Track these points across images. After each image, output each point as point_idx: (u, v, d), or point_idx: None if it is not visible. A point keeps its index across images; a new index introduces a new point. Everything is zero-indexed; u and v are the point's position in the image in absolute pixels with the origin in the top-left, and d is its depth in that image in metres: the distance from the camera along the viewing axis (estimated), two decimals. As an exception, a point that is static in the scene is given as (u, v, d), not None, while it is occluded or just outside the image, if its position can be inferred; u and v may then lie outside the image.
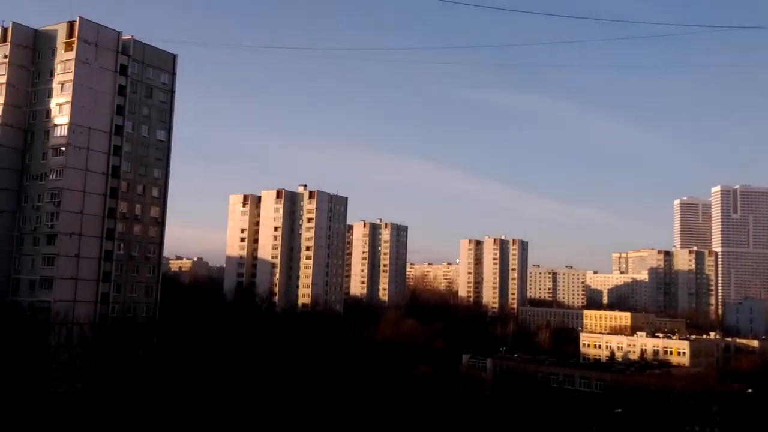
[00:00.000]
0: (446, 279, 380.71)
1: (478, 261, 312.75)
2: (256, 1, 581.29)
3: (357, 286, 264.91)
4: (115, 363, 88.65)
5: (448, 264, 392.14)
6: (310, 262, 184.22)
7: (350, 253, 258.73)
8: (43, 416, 66.37)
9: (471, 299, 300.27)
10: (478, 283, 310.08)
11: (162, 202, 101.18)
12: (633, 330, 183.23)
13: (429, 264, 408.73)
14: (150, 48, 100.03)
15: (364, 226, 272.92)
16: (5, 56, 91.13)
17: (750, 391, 79.03)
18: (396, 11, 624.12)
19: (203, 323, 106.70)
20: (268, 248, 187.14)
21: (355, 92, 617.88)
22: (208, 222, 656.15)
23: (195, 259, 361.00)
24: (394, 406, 71.32)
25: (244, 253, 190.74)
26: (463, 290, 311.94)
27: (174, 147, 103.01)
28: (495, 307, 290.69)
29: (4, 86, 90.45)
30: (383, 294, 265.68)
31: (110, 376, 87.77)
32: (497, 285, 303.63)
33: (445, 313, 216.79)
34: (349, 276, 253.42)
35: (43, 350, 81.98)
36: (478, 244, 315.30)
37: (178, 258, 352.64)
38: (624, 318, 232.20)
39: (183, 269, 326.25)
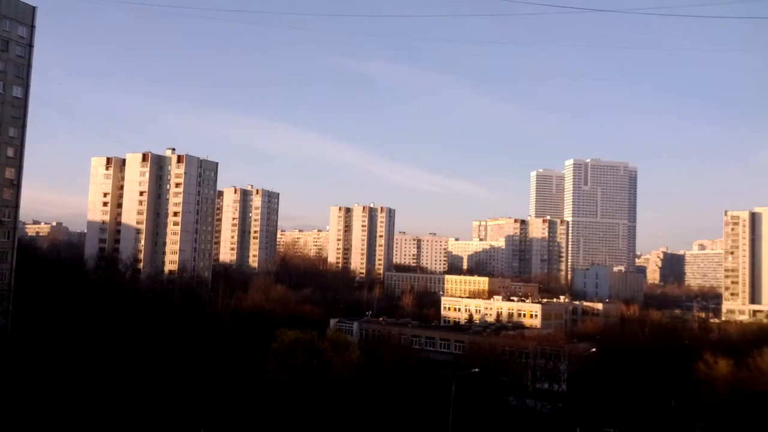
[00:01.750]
0: (316, 246, 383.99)
1: (348, 228, 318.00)
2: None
3: (227, 253, 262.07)
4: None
5: (319, 231, 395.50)
6: (178, 228, 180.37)
7: (220, 219, 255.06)
8: None
9: (340, 265, 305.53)
10: (347, 250, 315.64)
11: (18, 162, 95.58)
12: (490, 294, 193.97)
13: (300, 231, 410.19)
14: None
15: (235, 192, 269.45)
16: None
17: (594, 350, 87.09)
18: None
19: (62, 291, 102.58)
20: (133, 213, 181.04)
21: (231, 57, 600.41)
22: (68, 185, 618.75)
23: (54, 223, 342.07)
24: (258, 371, 72.23)
25: (107, 218, 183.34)
26: (333, 256, 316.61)
27: (32, 105, 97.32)
28: (362, 273, 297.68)
29: None
30: (253, 261, 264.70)
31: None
32: (365, 251, 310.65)
33: (315, 279, 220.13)
34: (218, 243, 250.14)
35: None
36: (348, 211, 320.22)
37: (36, 222, 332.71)
38: (482, 283, 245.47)
39: (41, 234, 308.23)
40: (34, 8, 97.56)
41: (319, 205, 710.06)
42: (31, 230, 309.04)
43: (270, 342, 77.04)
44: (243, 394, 69.77)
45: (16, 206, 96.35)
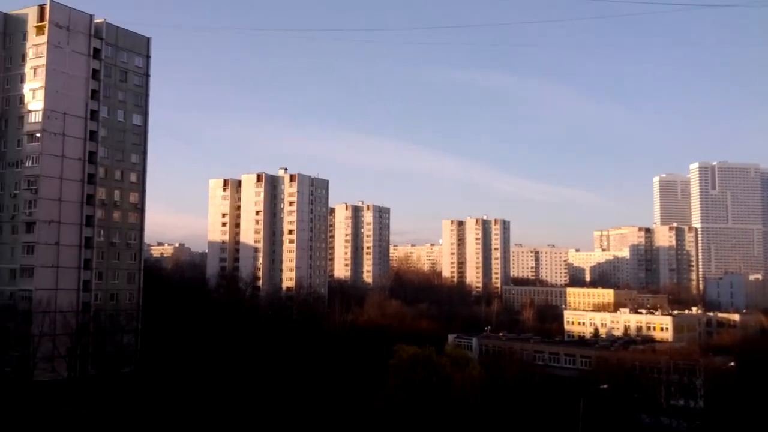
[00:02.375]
0: (429, 260, 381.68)
1: (461, 241, 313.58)
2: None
3: (341, 269, 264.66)
4: (101, 351, 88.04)
5: (432, 245, 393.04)
6: (293, 245, 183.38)
7: (333, 236, 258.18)
8: (28, 406, 65.49)
9: (455, 279, 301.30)
10: (461, 263, 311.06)
11: (141, 187, 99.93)
12: (616, 307, 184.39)
13: (412, 245, 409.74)
14: (123, 31, 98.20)
15: (346, 208, 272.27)
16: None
17: (732, 364, 79.70)
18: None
19: (187, 309, 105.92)
20: (250, 232, 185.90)
21: (336, 74, 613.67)
22: (189, 207, 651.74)
23: (177, 244, 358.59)
24: (378, 387, 71.21)
25: (226, 238, 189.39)
26: (447, 270, 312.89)
27: (151, 131, 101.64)
28: (479, 287, 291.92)
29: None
30: (367, 276, 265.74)
31: (96, 364, 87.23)
32: (480, 265, 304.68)
33: (429, 294, 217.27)
34: (332, 259, 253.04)
35: (26, 339, 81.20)
36: (461, 224, 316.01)
37: (160, 244, 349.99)
38: (607, 295, 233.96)
39: (165, 255, 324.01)
40: (148, 39, 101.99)
41: (430, 219, 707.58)
42: (155, 252, 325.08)
43: (387, 357, 75.90)
44: (364, 409, 69.10)
45: (141, 229, 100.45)
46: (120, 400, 71.00)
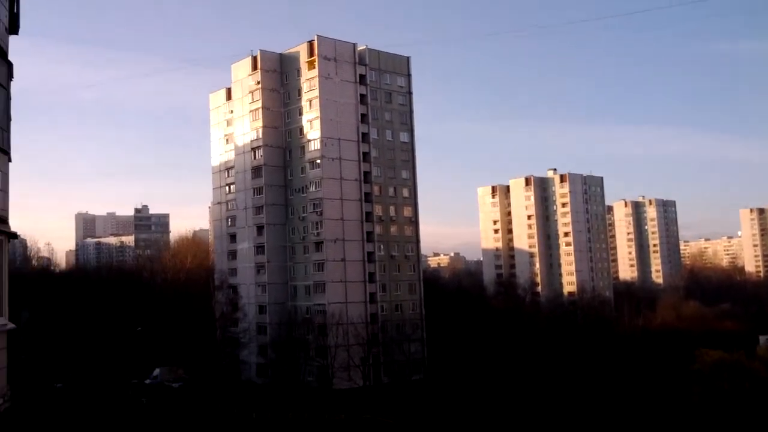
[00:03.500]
0: (728, 254, 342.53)
1: (765, 231, 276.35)
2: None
3: (625, 270, 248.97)
4: (391, 359, 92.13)
5: (729, 238, 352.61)
6: (571, 248, 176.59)
7: (613, 236, 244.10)
8: (330, 412, 69.99)
9: (761, 274, 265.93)
10: (767, 256, 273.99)
11: (413, 201, 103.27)
12: None
13: (706, 240, 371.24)
14: (384, 54, 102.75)
15: (626, 205, 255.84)
16: (257, 82, 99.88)
17: None
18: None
19: (467, 317, 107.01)
20: (524, 238, 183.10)
21: (595, 63, 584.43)
22: (460, 216, 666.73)
23: (452, 254, 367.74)
24: (680, 394, 64.40)
25: (499, 244, 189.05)
26: (750, 265, 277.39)
27: (417, 146, 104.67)
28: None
29: (260, 110, 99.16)
30: (656, 276, 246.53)
31: (388, 372, 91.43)
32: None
33: (731, 292, 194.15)
34: (615, 260, 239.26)
35: (324, 350, 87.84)
36: (762, 212, 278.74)
37: (436, 254, 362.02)
38: None
39: (441, 265, 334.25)
40: (408, 59, 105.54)
41: (725, 210, 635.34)
42: (432, 262, 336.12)
43: (687, 363, 68.39)
44: (666, 418, 63.00)
45: (417, 241, 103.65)
46: (414, 407, 72.85)
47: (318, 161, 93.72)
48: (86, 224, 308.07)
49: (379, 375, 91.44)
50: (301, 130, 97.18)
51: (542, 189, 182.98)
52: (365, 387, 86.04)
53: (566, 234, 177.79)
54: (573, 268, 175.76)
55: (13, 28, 15.87)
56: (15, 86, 15.66)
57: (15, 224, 16.21)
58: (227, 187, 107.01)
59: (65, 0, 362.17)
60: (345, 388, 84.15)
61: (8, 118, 15.08)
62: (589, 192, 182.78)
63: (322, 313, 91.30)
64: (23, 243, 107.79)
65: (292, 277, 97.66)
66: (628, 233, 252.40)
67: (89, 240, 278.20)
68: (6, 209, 14.55)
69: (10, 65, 14.80)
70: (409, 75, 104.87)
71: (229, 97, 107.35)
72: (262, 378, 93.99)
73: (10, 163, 15.10)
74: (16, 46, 16.08)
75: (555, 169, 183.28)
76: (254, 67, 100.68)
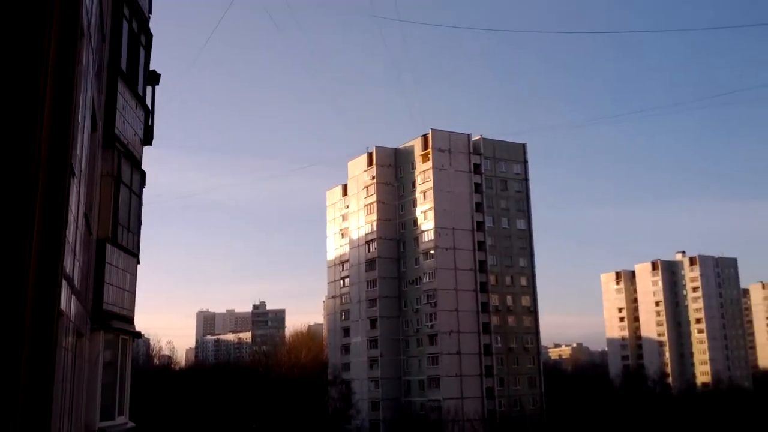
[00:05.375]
0: None
1: None
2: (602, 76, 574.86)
3: (765, 358, 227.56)
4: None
5: None
6: (703, 335, 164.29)
7: (750, 321, 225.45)
8: None
9: None
10: None
11: (532, 290, 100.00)
12: None
13: None
14: (499, 143, 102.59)
15: (763, 287, 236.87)
16: (373, 177, 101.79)
17: None
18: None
19: (592, 411, 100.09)
20: (652, 325, 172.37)
21: (720, 137, 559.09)
22: (581, 305, 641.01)
23: (574, 345, 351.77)
24: None
25: (625, 333, 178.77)
26: None
27: (535, 232, 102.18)
28: None
29: (375, 204, 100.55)
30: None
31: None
32: None
33: None
34: (753, 347, 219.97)
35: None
36: None
37: (557, 345, 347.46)
38: None
39: (563, 357, 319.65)
40: (524, 146, 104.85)
41: None
42: (553, 354, 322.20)
43: None
44: None
45: (536, 332, 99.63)
46: None
47: (432, 252, 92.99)
48: (206, 321, 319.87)
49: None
50: (415, 221, 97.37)
51: (670, 273, 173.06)
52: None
53: (698, 320, 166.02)
54: (706, 356, 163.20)
55: (148, 139, 16.53)
56: (146, 192, 16.11)
57: (140, 324, 16.34)
58: (341, 281, 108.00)
59: (191, 114, 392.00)
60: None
61: (139, 224, 15.43)
62: (722, 275, 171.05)
63: (437, 409, 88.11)
64: (146, 342, 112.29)
65: (405, 372, 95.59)
66: (767, 318, 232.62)
67: (209, 337, 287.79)
68: (132, 309, 14.82)
69: (143, 174, 15.31)
70: (525, 162, 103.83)
71: (345, 193, 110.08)
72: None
73: (138, 266, 15.37)
74: (147, 155, 16.58)
75: (683, 252, 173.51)
76: (369, 163, 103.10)
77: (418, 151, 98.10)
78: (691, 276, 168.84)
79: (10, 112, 5.49)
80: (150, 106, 16.12)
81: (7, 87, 5.47)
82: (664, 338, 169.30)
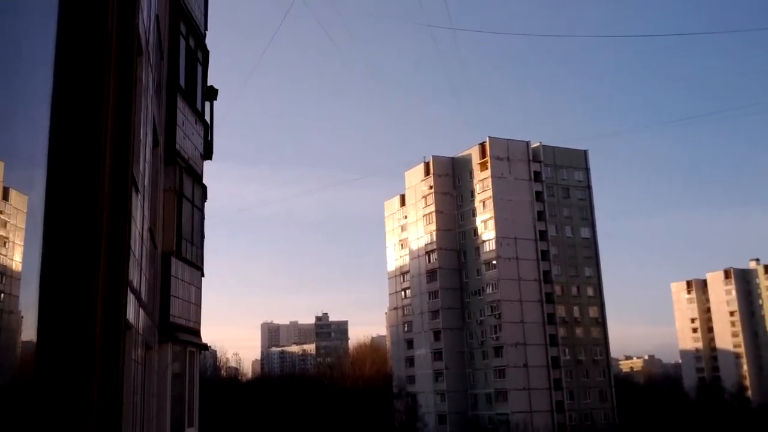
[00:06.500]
0: None
1: None
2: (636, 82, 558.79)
3: None
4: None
5: None
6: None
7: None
8: None
9: None
10: None
11: (599, 300, 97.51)
12: None
13: None
14: (560, 150, 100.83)
15: None
16: (430, 187, 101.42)
17: None
18: None
19: (669, 427, 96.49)
20: (727, 336, 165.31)
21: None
22: (653, 315, 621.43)
23: (645, 357, 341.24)
24: None
25: (699, 344, 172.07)
26: None
27: (600, 241, 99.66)
28: None
29: (434, 214, 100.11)
30: None
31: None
32: None
33: None
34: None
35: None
36: None
37: (628, 358, 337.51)
38: None
39: (634, 369, 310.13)
40: (585, 152, 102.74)
41: None
42: (624, 366, 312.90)
43: None
44: None
45: (606, 344, 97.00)
46: None
47: (494, 262, 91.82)
48: (271, 333, 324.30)
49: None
50: (475, 231, 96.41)
51: (744, 282, 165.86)
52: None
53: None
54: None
55: (208, 154, 16.86)
56: (207, 206, 16.43)
57: (206, 336, 16.60)
58: (403, 292, 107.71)
59: (248, 126, 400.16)
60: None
61: (202, 237, 15.71)
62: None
63: (506, 423, 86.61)
64: (213, 354, 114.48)
65: (471, 385, 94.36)
66: None
67: (274, 349, 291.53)
68: (198, 322, 15.08)
69: (204, 188, 15.61)
70: (587, 168, 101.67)
71: (403, 203, 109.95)
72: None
73: (203, 278, 15.65)
74: (208, 170, 16.90)
75: (758, 259, 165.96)
76: (427, 173, 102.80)
77: (476, 160, 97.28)
78: (767, 284, 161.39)
79: (77, 132, 5.58)
80: (209, 121, 16.36)
81: (72, 109, 5.55)
82: (741, 350, 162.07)
